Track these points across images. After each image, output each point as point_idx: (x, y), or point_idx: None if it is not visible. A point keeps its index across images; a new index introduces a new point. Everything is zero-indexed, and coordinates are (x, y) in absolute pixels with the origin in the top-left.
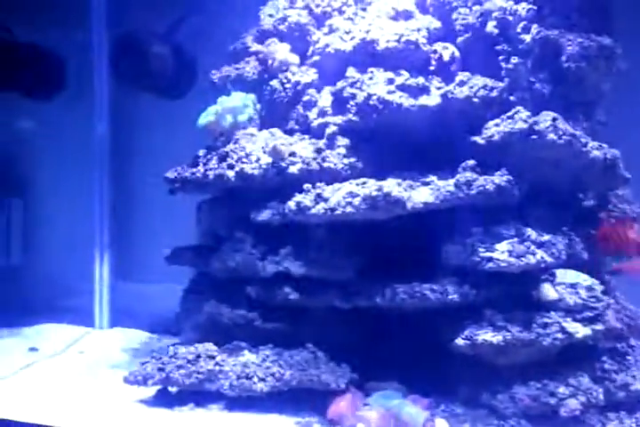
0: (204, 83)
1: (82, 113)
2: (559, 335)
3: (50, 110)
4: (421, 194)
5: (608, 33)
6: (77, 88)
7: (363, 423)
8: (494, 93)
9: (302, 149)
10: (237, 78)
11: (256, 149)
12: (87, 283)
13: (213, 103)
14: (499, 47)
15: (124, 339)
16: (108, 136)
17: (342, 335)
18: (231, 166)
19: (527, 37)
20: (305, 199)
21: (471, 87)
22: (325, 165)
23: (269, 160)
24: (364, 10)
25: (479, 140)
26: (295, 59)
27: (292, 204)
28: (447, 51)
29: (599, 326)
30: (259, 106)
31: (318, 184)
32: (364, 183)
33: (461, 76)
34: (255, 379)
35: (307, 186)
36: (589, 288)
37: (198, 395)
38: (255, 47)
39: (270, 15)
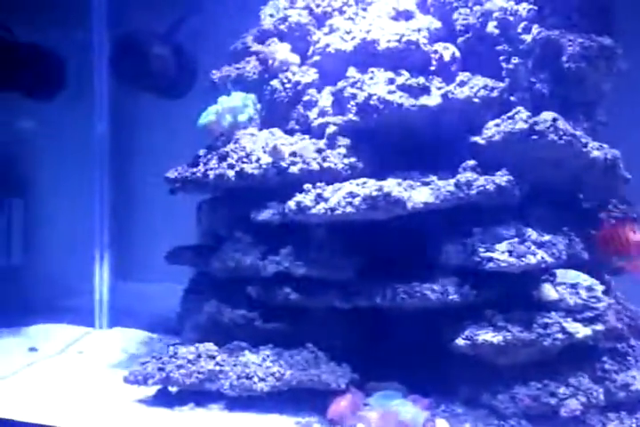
0: (205, 83)
1: (82, 113)
2: (560, 335)
3: (50, 110)
4: (422, 194)
5: (608, 33)
6: (78, 88)
7: (363, 423)
8: (495, 94)
9: (303, 148)
10: (238, 78)
11: (256, 148)
12: (87, 283)
13: (214, 103)
14: (499, 47)
15: (124, 339)
16: (109, 136)
17: (343, 335)
18: (231, 166)
19: (528, 38)
20: (305, 199)
21: (472, 87)
22: (326, 164)
23: (269, 160)
24: (364, 10)
25: (480, 140)
26: (296, 59)
27: (292, 204)
28: (448, 51)
29: (599, 327)
30: (259, 106)
31: (318, 184)
32: (365, 183)
33: (462, 76)
34: (255, 379)
35: (307, 186)
36: (590, 288)
37: (198, 395)
38: (255, 47)
39: (271, 15)
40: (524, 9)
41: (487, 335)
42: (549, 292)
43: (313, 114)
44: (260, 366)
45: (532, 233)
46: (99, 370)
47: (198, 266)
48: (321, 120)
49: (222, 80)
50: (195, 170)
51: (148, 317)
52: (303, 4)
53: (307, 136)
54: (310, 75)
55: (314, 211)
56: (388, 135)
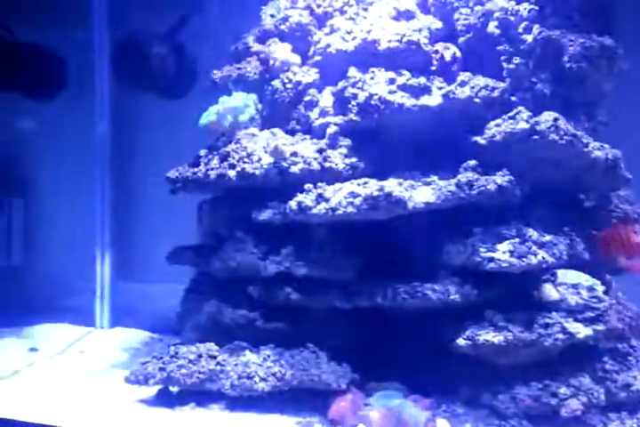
0: (206, 83)
1: (83, 113)
2: (560, 336)
3: (51, 110)
4: (423, 194)
5: (609, 33)
6: (78, 88)
7: (364, 424)
8: (496, 94)
9: (304, 148)
10: (239, 78)
11: (257, 148)
12: (88, 283)
13: (215, 103)
14: (500, 47)
15: (125, 339)
16: (109, 136)
17: (343, 335)
18: (232, 166)
19: (529, 38)
20: (306, 199)
21: (472, 87)
22: (327, 164)
23: (271, 160)
24: (365, 10)
25: (480, 140)
26: (296, 59)
27: (293, 204)
28: (449, 51)
29: (600, 327)
30: (260, 106)
31: (319, 184)
32: (366, 183)
33: (463, 76)
34: (256, 379)
35: (308, 186)
36: (590, 288)
37: (199, 395)
38: (256, 47)
39: (272, 15)
40: (524, 9)
41: (488, 335)
42: (550, 292)
43: (314, 114)
44: (260, 365)
45: (532, 233)
46: (99, 370)
47: (199, 266)
48: (322, 120)
49: (223, 80)
50: (196, 170)
51: (149, 317)
52: (304, 4)
53: (308, 136)
54: (311, 75)
55: (315, 211)
56: (389, 135)
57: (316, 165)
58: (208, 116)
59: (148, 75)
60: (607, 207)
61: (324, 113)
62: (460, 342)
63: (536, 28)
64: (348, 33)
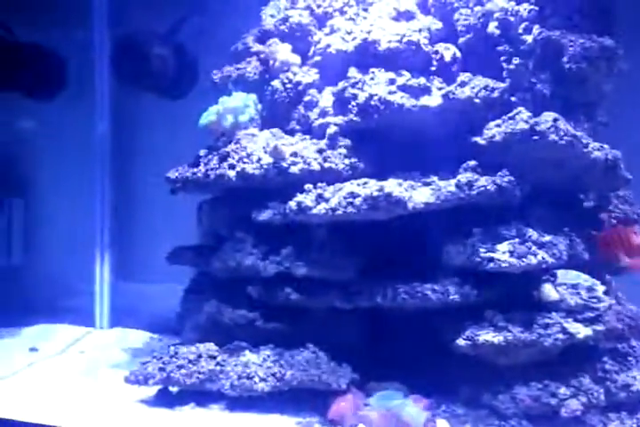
0: (206, 83)
1: (83, 113)
2: (560, 336)
3: (51, 110)
4: (422, 194)
5: (609, 34)
6: (78, 88)
7: (364, 424)
8: (496, 94)
9: (304, 149)
10: (239, 78)
11: (257, 149)
12: (88, 283)
13: (215, 103)
14: (500, 48)
15: (125, 339)
16: (110, 136)
17: (343, 335)
18: (232, 166)
19: (529, 38)
20: (306, 199)
21: (473, 88)
22: (327, 165)
23: (270, 160)
24: (365, 10)
25: (480, 140)
26: (296, 59)
27: (293, 204)
28: (448, 51)
29: (600, 327)
30: (260, 106)
31: (319, 184)
32: (365, 183)
33: (463, 76)
34: (256, 379)
35: (308, 186)
36: (590, 289)
37: (199, 395)
38: (256, 47)
39: (272, 15)
40: (524, 9)
41: (488, 336)
42: (550, 292)
43: (314, 114)
44: (260, 366)
45: (532, 233)
46: (99, 370)
47: (199, 266)
48: (322, 120)
49: (223, 80)
50: (195, 170)
51: (149, 317)
52: (304, 4)
53: (308, 136)
54: (311, 75)
55: (315, 211)
56: (389, 135)
57: (315, 166)
58: (208, 117)
59: (148, 75)
60: (607, 208)
61: (323, 113)
62: (460, 342)
63: (536, 29)
64: (348, 33)
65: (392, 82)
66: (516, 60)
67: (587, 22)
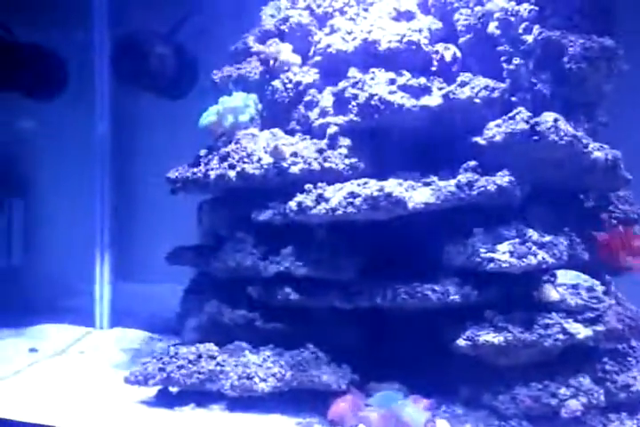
0: (206, 83)
1: (83, 113)
2: (560, 336)
3: (51, 110)
4: (422, 194)
5: (610, 34)
6: (78, 88)
7: (364, 424)
8: (496, 94)
9: (304, 149)
10: (239, 78)
11: (257, 149)
12: (88, 283)
13: (215, 103)
14: (500, 48)
15: (125, 339)
16: (110, 136)
17: (343, 336)
18: (232, 166)
19: (529, 38)
20: (306, 199)
21: (473, 88)
22: (327, 165)
23: (270, 160)
24: (365, 10)
25: (480, 140)
26: (297, 59)
27: (293, 204)
28: (449, 51)
29: (600, 327)
30: (260, 106)
31: (319, 184)
32: (366, 183)
33: (463, 76)
34: (256, 379)
35: (308, 186)
36: (590, 289)
37: (199, 395)
38: (257, 47)
39: (272, 15)
40: (525, 9)
41: (488, 336)
42: (550, 292)
43: (314, 114)
44: (260, 366)
45: (532, 234)
46: (99, 370)
47: (199, 266)
48: (322, 120)
49: (223, 80)
50: (195, 170)
51: (149, 317)
52: (304, 4)
53: (308, 136)
54: (311, 75)
55: (315, 211)
56: (389, 136)
57: (316, 166)
58: (208, 117)
59: (148, 75)
60: (607, 208)
61: (324, 113)
62: (460, 342)
63: (536, 29)
64: (349, 33)
65: (392, 82)
66: (516, 61)
67: (587, 22)
